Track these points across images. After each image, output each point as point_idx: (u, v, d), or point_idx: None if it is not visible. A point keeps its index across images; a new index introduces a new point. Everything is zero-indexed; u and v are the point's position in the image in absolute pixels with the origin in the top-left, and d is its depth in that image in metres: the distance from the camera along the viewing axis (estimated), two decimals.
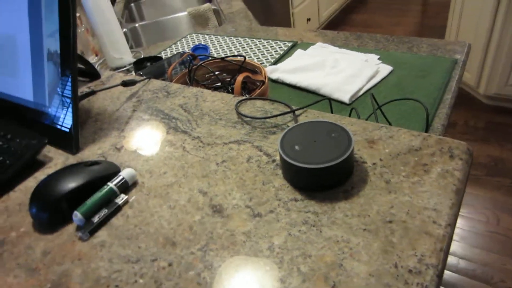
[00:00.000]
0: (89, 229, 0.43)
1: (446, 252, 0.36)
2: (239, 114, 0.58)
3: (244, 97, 0.63)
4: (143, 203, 0.46)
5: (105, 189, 0.46)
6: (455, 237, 1.53)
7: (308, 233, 0.39)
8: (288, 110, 0.58)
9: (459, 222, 1.59)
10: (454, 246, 1.49)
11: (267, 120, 0.57)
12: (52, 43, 0.58)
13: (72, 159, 0.56)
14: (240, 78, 0.75)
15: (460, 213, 1.62)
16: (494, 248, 1.47)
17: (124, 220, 0.44)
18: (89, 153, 0.56)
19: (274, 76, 0.96)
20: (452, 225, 0.38)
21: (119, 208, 0.45)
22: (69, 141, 0.57)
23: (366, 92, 0.86)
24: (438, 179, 0.42)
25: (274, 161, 0.49)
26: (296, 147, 0.44)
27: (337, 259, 0.36)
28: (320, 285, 0.34)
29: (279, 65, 1.00)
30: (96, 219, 0.44)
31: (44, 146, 0.56)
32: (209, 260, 0.38)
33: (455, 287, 1.36)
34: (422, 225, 0.38)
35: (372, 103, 0.70)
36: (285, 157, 0.43)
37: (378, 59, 0.96)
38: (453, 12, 2.16)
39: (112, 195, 0.46)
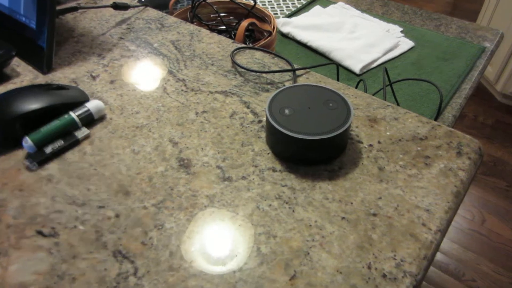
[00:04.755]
0: (39, 159, 0.38)
1: (430, 261, 0.31)
2: (234, 62, 0.52)
3: (243, 45, 0.56)
4: (106, 141, 0.40)
5: (65, 118, 0.40)
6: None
7: (279, 210, 0.34)
8: (289, 68, 0.51)
9: None
10: None
11: (263, 75, 0.50)
12: None
13: (41, 79, 0.50)
14: (244, 23, 0.67)
15: None
16: (472, 246, 1.46)
17: (80, 156, 0.39)
18: (61, 76, 0.50)
19: (285, 30, 0.87)
20: (443, 231, 0.33)
21: (77, 142, 0.40)
22: (40, 58, 0.51)
23: (380, 65, 0.78)
24: (438, 176, 0.37)
25: (260, 122, 0.43)
26: (286, 111, 0.38)
27: (305, 246, 0.31)
28: (279, 272, 0.30)
29: (293, 19, 0.91)
30: (49, 149, 0.39)
31: (11, 59, 0.49)
32: (162, 219, 0.33)
33: (425, 277, 1.37)
34: (409, 225, 0.33)
35: (384, 78, 0.63)
36: (271, 121, 0.37)
37: (401, 31, 0.87)
38: None
39: (72, 126, 0.41)
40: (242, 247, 0.31)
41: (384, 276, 0.29)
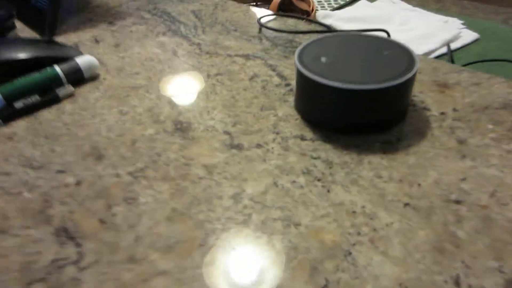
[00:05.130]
0: (5, 114, 0.30)
1: None
2: (260, 24, 0.42)
3: (273, 12, 0.46)
4: (92, 101, 0.32)
5: (47, 71, 0.32)
6: None
7: (307, 189, 0.23)
8: (327, 30, 0.41)
9: None
10: None
11: (295, 38, 0.40)
12: None
13: None
14: None
15: None
16: None
17: (57, 115, 0.30)
18: (63, 40, 0.43)
19: (326, 22, 0.78)
20: None
21: (57, 99, 0.32)
22: (43, 23, 0.45)
23: (439, 56, 0.66)
24: None
25: (288, 85, 0.33)
26: (323, 59, 0.27)
27: (345, 241, 0.20)
28: (300, 278, 0.18)
29: (335, 11, 0.81)
30: (19, 104, 0.31)
31: (11, 18, 0.43)
32: (136, 191, 0.23)
33: None
34: None
35: (449, 59, 0.50)
36: (300, 67, 0.26)
37: (462, 24, 0.74)
38: None
39: (55, 81, 0.33)
40: (243, 238, 0.20)
41: None
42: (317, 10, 0.84)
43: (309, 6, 0.61)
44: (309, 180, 0.23)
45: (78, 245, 0.20)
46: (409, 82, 0.25)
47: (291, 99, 0.31)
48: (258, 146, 0.26)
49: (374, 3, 0.86)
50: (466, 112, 0.28)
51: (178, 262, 0.19)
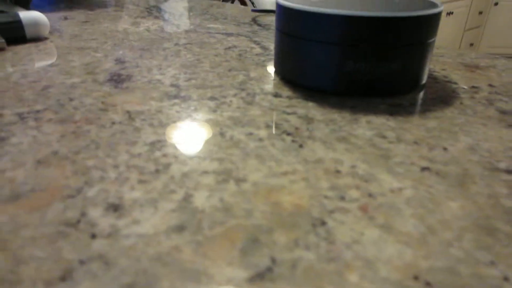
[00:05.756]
0: None
1: None
2: (254, 11, 0.37)
3: (270, 9, 0.41)
4: (22, 55, 0.25)
5: None
6: None
7: (269, 142, 0.15)
8: None
9: None
10: None
11: None
12: None
13: None
14: None
15: None
16: None
17: None
18: None
19: None
20: None
21: None
22: None
23: None
24: None
25: (270, 55, 0.26)
26: None
27: (317, 206, 0.11)
28: (224, 256, 0.10)
29: None
30: None
31: None
32: (12, 131, 0.15)
33: None
34: None
35: None
36: (283, 2, 0.19)
37: None
38: None
39: None
40: (145, 192, 0.12)
41: None
42: None
43: None
44: (276, 133, 0.15)
45: None
46: (433, 20, 0.18)
47: (270, 63, 0.24)
48: (212, 98, 0.19)
49: None
50: (508, 88, 0.21)
51: (18, 216, 0.11)
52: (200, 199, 0.11)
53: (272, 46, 0.28)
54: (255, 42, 0.29)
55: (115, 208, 0.11)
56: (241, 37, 0.30)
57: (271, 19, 0.37)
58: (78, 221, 0.11)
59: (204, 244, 0.10)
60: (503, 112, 0.18)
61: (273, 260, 0.09)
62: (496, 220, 0.11)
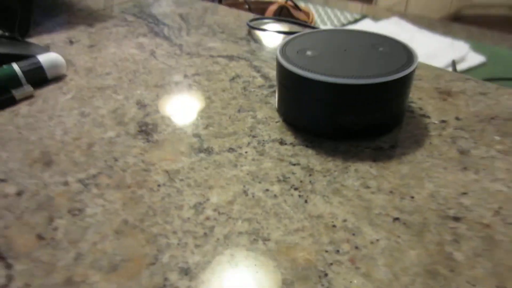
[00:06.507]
0: None
1: None
2: (250, 27, 0.40)
3: (264, 16, 0.44)
4: (51, 102, 0.29)
5: (3, 69, 0.30)
6: None
7: (281, 198, 0.19)
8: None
9: None
10: None
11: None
12: None
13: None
14: (274, 7, 0.56)
15: None
16: None
17: (9, 118, 0.27)
18: (35, 41, 0.41)
19: None
20: None
21: (12, 100, 0.29)
22: (13, 22, 0.42)
23: None
24: None
25: (271, 86, 0.30)
26: (309, 53, 0.24)
27: (322, 260, 0.16)
28: None
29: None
30: None
31: None
32: (84, 201, 0.20)
33: None
34: None
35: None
36: (281, 60, 0.23)
37: (469, 48, 0.72)
38: None
39: (12, 81, 0.30)
40: (202, 255, 0.17)
41: None
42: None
43: (308, 17, 0.59)
44: (285, 188, 0.20)
45: (8, 266, 0.17)
46: (407, 79, 0.22)
47: (274, 101, 0.28)
48: (230, 150, 0.23)
49: (379, 22, 0.85)
50: (471, 121, 0.25)
51: (122, 284, 0.16)
52: (241, 259, 0.17)
53: (271, 74, 0.32)
54: (255, 68, 0.33)
55: (185, 272, 0.16)
56: (241, 61, 0.34)
57: (266, 33, 0.40)
58: (164, 285, 0.16)
59: None
60: (462, 152, 0.23)
61: None
62: (440, 265, 0.16)
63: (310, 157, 0.22)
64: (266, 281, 0.16)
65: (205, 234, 0.18)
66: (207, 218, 0.19)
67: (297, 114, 0.24)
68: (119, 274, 0.16)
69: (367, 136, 0.24)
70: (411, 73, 0.22)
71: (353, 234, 0.17)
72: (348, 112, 0.22)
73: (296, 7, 0.62)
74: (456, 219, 0.18)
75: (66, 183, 0.21)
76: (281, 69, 0.24)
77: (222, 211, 0.19)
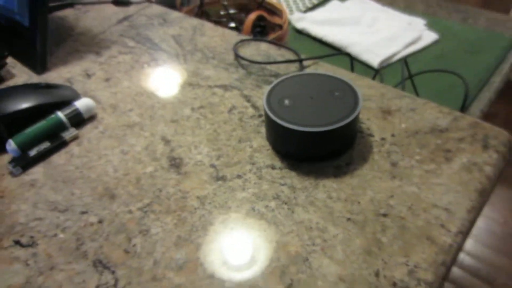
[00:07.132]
0: (23, 163, 0.36)
1: (449, 267, 0.27)
2: (236, 54, 0.49)
3: (247, 37, 0.53)
4: (94, 142, 0.38)
5: (52, 118, 0.38)
6: None
7: (277, 211, 0.30)
8: (295, 58, 0.47)
9: None
10: None
11: (267, 67, 0.47)
12: None
13: (36, 80, 0.48)
14: (252, 16, 0.64)
15: None
16: (505, 250, 1.36)
17: (67, 158, 0.37)
18: (56, 76, 0.48)
19: (299, 25, 0.84)
20: (464, 233, 0.28)
21: (64, 143, 0.38)
22: (34, 58, 0.49)
23: (400, 59, 0.74)
24: (460, 171, 0.32)
25: (260, 116, 0.40)
26: (286, 102, 0.34)
27: (304, 251, 0.28)
28: (273, 280, 0.26)
29: (308, 14, 0.87)
30: (33, 152, 0.37)
31: (4, 59, 0.48)
32: (147, 224, 0.30)
33: (454, 282, 1.29)
34: (425, 226, 0.29)
35: (403, 71, 0.58)
36: (268, 112, 0.33)
37: (424, 24, 0.82)
38: None
39: (59, 126, 0.38)
40: (232, 254, 0.28)
41: (394, 284, 0.25)
42: (291, 13, 0.90)
43: (281, 19, 0.67)
44: (278, 204, 0.31)
45: (112, 272, 0.27)
46: (353, 122, 0.33)
47: (263, 130, 0.38)
48: (238, 176, 0.33)
49: (345, 3, 0.92)
50: (401, 137, 0.36)
51: (188, 277, 0.27)
52: (259, 255, 0.28)
53: (258, 103, 0.41)
54: (246, 98, 0.42)
55: (226, 263, 0.27)
56: (234, 90, 0.43)
57: (250, 54, 0.49)
58: (212, 276, 0.27)
59: (264, 277, 0.26)
60: (393, 164, 0.34)
61: (291, 280, 0.26)
62: (373, 246, 0.27)
63: (293, 178, 0.33)
64: (269, 270, 0.27)
65: (231, 240, 0.29)
66: (231, 229, 0.29)
67: (281, 146, 0.35)
68: (184, 271, 0.27)
69: (331, 158, 0.34)
70: (355, 118, 0.33)
71: (322, 232, 0.29)
72: (316, 147, 0.33)
73: (271, 11, 0.69)
74: (385, 215, 0.30)
75: (130, 212, 0.31)
76: (268, 118, 0.34)
77: (240, 224, 0.30)
